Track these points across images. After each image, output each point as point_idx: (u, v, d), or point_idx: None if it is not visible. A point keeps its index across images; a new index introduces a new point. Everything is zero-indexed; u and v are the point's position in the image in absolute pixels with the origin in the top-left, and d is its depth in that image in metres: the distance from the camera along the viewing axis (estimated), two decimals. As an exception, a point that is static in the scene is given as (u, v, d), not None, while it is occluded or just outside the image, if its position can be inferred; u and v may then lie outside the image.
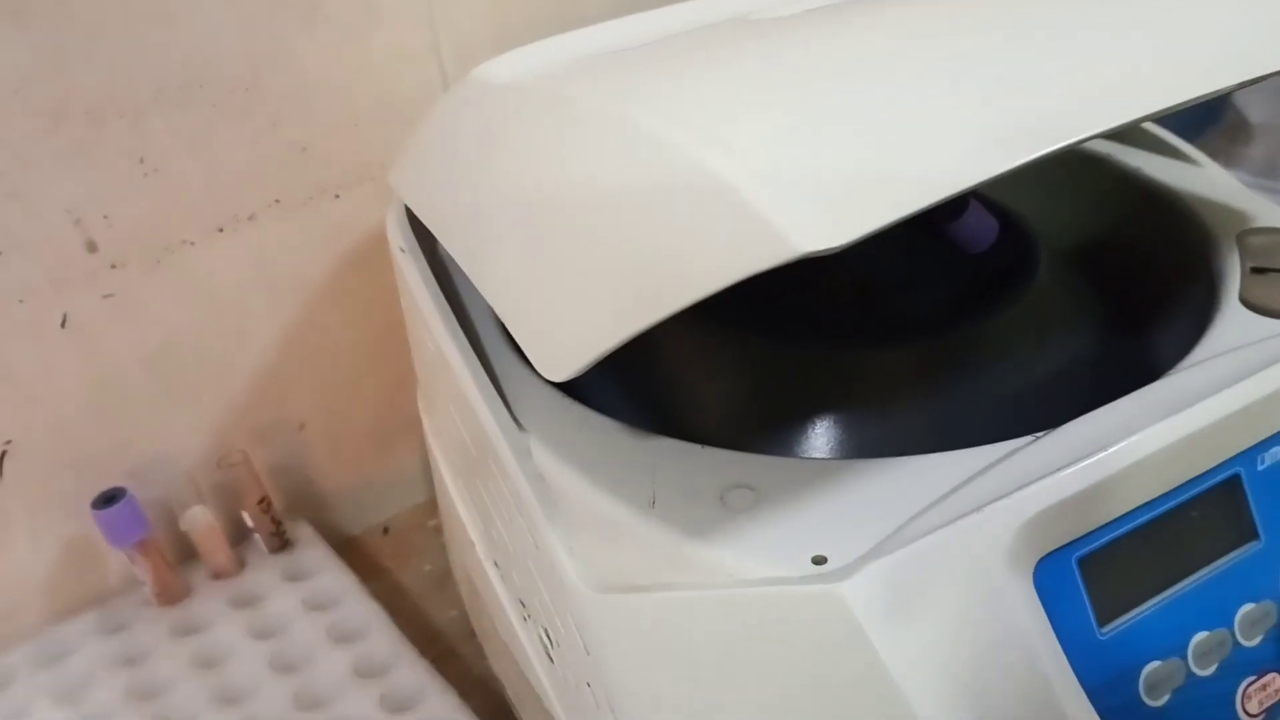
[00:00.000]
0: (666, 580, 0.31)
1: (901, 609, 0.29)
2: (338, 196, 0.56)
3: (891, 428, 0.38)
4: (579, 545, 0.33)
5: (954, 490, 0.31)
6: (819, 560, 0.30)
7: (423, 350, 0.45)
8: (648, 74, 0.37)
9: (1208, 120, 1.01)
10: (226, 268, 0.55)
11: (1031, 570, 0.31)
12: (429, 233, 0.42)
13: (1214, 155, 1.04)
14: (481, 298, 0.36)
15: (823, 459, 0.37)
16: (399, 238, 0.45)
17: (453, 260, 0.42)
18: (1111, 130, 0.28)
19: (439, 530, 0.58)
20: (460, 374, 0.38)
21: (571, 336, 0.29)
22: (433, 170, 0.42)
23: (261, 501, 0.56)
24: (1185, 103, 0.29)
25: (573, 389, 0.38)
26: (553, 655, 0.38)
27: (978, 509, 0.30)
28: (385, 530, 0.64)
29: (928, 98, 0.30)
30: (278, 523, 0.56)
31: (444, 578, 0.58)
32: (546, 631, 0.38)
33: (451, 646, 0.55)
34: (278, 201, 0.55)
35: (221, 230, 0.54)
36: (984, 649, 0.30)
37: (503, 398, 0.37)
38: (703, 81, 0.34)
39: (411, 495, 0.65)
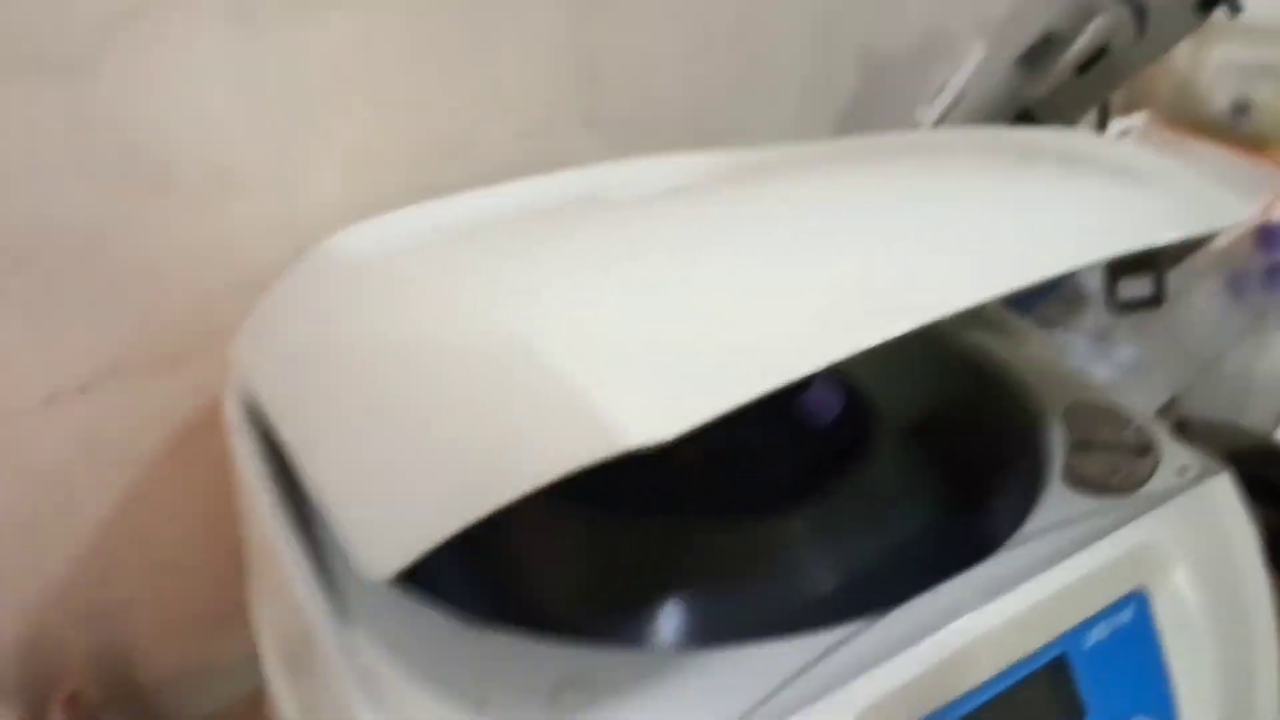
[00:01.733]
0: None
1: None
2: (179, 368, 0.55)
3: (731, 611, 0.38)
4: (406, 748, 0.32)
5: (790, 680, 0.31)
6: (653, 763, 0.29)
7: (251, 535, 0.43)
8: (488, 256, 0.37)
9: (1046, 289, 1.08)
10: (53, 440, 0.52)
11: (866, 763, 0.30)
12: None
13: (1052, 323, 1.10)
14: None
15: (659, 651, 0.36)
16: (235, 413, 0.44)
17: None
18: (952, 314, 0.29)
19: None
20: (284, 559, 0.36)
21: (393, 532, 0.28)
22: (269, 346, 0.41)
23: (70, 699, 0.51)
24: (1025, 286, 0.31)
25: (408, 574, 0.36)
26: None
27: (815, 700, 0.30)
28: (211, 720, 0.60)
29: (768, 285, 0.31)
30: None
31: (275, 772, 0.54)
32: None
33: None
34: (114, 371, 0.53)
35: (50, 401, 0.51)
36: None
37: (331, 588, 0.36)
38: (542, 264, 0.35)
39: (244, 683, 0.60)
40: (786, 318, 0.29)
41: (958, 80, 0.62)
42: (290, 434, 0.36)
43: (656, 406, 0.26)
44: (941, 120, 0.61)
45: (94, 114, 0.48)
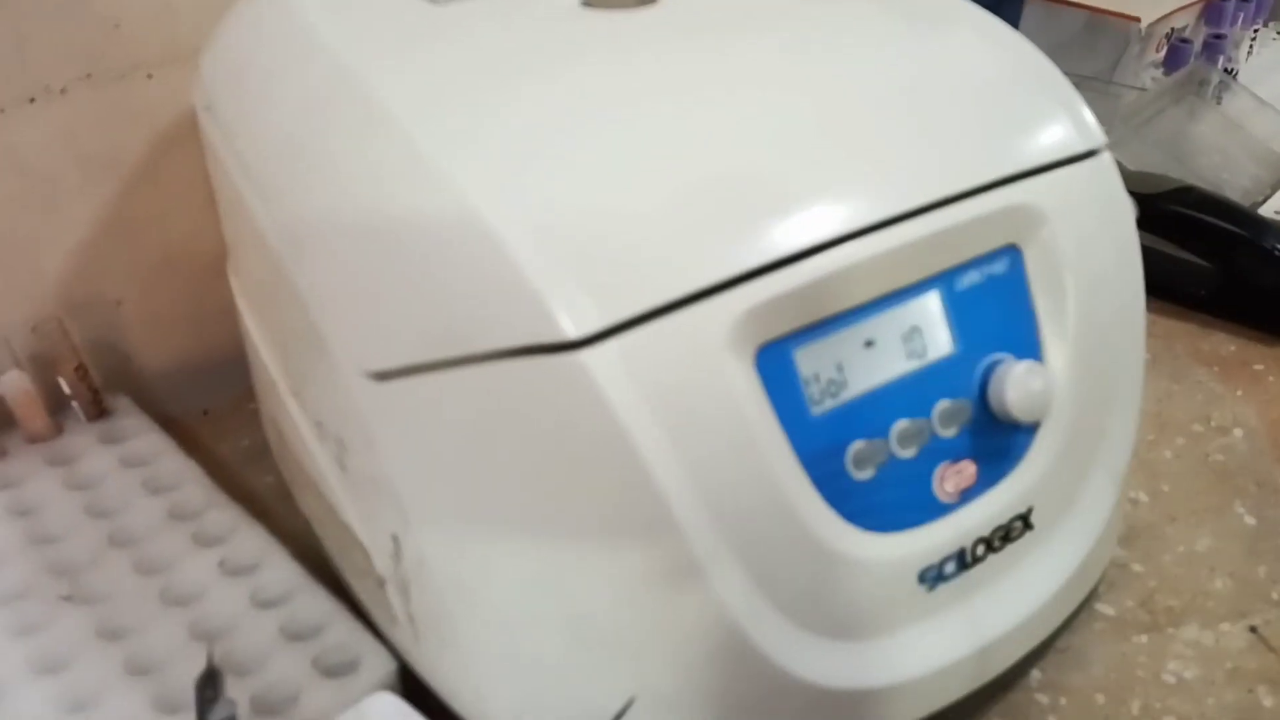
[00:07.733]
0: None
1: (636, 380, 0.33)
2: (151, 76, 0.58)
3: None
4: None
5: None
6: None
7: (225, 201, 0.47)
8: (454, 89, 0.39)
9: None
10: (38, 138, 0.55)
11: (753, 356, 0.35)
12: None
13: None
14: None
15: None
16: (204, 98, 0.47)
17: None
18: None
19: (258, 413, 0.59)
20: (253, 207, 0.41)
21: (382, 346, 0.35)
22: (229, 76, 0.44)
23: (78, 369, 0.57)
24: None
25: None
26: (345, 464, 0.41)
27: (706, 298, 0.35)
28: (205, 412, 0.65)
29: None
30: (95, 391, 0.58)
31: (262, 451, 0.60)
32: (338, 440, 0.41)
33: (266, 506, 0.57)
34: (89, 76, 0.56)
35: (33, 101, 0.55)
36: (710, 419, 0.34)
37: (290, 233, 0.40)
38: (511, 122, 0.38)
39: (232, 383, 0.64)
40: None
41: None
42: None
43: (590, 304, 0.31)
44: None
45: None
